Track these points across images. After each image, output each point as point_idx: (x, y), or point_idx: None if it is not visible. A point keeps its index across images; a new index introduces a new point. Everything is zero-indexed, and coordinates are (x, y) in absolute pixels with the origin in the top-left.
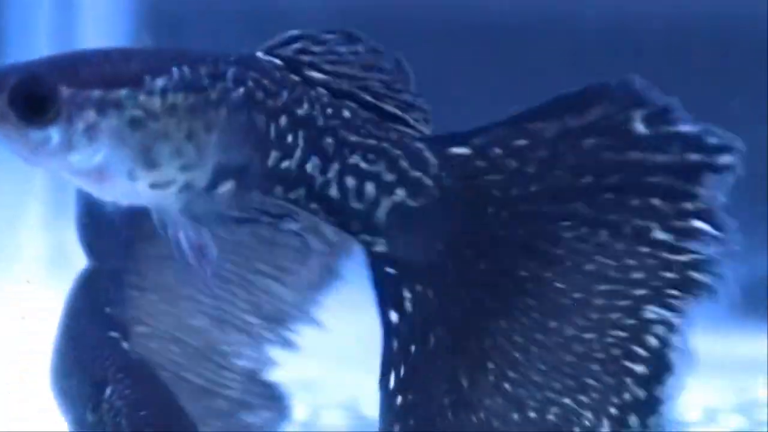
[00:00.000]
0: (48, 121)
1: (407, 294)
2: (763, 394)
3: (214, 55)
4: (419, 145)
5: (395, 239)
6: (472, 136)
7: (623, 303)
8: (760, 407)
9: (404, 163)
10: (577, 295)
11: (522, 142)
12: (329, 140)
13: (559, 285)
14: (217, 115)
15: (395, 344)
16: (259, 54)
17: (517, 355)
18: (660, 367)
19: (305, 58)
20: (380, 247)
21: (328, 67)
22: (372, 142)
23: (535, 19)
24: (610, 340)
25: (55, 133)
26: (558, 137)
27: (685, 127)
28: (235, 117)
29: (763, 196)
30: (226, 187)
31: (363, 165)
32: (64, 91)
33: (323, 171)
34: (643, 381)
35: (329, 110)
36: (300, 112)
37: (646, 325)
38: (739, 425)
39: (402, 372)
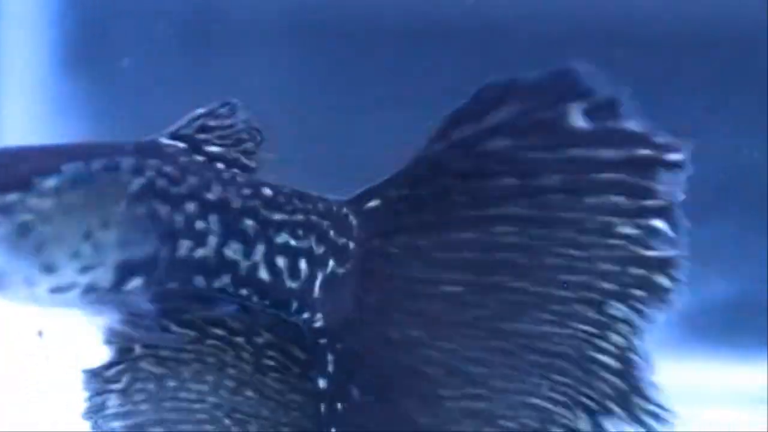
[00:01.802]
0: None
1: (330, 357)
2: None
3: (110, 146)
4: (344, 210)
5: (329, 310)
6: (381, 187)
7: (590, 295)
8: None
9: (332, 233)
10: (540, 291)
11: (424, 173)
12: (249, 222)
13: (516, 286)
14: (114, 209)
15: (323, 407)
16: (163, 139)
17: (474, 371)
18: (627, 364)
19: (202, 135)
20: (318, 322)
21: (221, 142)
22: (300, 217)
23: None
24: (579, 334)
25: None
26: (456, 155)
27: (631, 124)
28: (135, 209)
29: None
30: (134, 283)
31: (293, 242)
32: None
33: (247, 255)
34: (615, 373)
35: (246, 191)
36: (210, 196)
37: (612, 321)
38: None
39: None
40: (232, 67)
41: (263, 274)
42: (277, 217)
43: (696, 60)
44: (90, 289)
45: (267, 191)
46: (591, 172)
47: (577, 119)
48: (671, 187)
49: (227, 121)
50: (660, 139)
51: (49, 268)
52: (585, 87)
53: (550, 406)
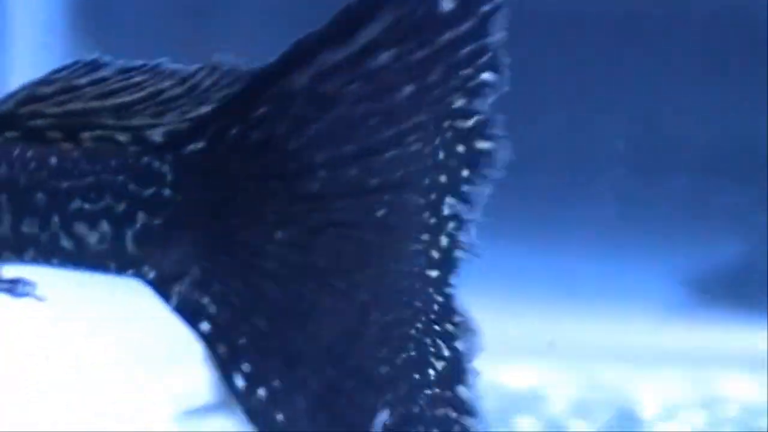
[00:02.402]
0: None
1: (206, 299)
2: (727, 388)
3: None
4: (145, 159)
5: (160, 261)
6: (204, 127)
7: (433, 198)
8: (723, 403)
9: (133, 186)
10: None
11: (262, 110)
12: (39, 195)
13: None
14: None
15: (222, 349)
16: None
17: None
18: (449, 267)
19: (27, 108)
20: (150, 274)
21: (54, 110)
22: (89, 180)
23: None
24: (418, 247)
25: None
26: (317, 82)
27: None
28: None
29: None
30: None
31: (87, 206)
32: None
33: (44, 227)
34: (437, 285)
35: (33, 164)
36: (10, 172)
37: (444, 222)
38: (701, 423)
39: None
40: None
41: (65, 242)
42: (66, 184)
43: None
44: None
45: (52, 161)
46: (455, 54)
47: (445, 3)
48: (496, 34)
49: (81, 80)
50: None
51: None
52: None
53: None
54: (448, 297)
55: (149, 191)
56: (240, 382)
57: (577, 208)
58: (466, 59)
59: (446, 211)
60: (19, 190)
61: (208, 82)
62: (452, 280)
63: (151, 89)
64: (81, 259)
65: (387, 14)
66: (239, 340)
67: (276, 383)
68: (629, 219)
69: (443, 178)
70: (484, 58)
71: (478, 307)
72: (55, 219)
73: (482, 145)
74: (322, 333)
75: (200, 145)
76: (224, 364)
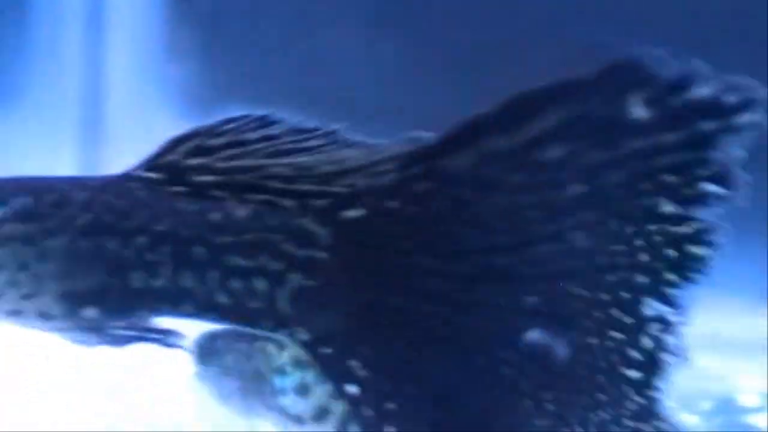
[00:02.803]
0: None
1: (354, 362)
2: None
3: (73, 182)
4: (302, 221)
5: (312, 322)
6: (362, 195)
7: (626, 296)
8: None
9: (288, 247)
10: (585, 294)
11: (421, 185)
12: (198, 249)
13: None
14: (54, 243)
15: (364, 409)
16: (135, 171)
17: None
18: (653, 371)
19: (194, 161)
20: (303, 335)
21: (221, 165)
22: (248, 237)
23: None
24: (608, 344)
25: None
26: (477, 166)
27: (698, 93)
28: (79, 244)
29: None
30: (88, 313)
31: (243, 263)
32: None
33: (201, 282)
34: (638, 386)
35: (196, 219)
36: (160, 228)
37: (645, 323)
38: None
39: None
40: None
41: (221, 298)
42: (225, 240)
43: None
44: (43, 316)
45: (215, 216)
46: (649, 161)
47: (637, 110)
48: (730, 151)
49: (251, 135)
50: (730, 100)
51: None
52: (644, 74)
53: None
54: (651, 400)
55: (305, 252)
56: None
57: None
58: (675, 168)
59: (648, 312)
60: (181, 243)
61: (379, 156)
62: (658, 383)
63: (322, 156)
64: (236, 315)
65: (563, 109)
66: (387, 405)
67: None
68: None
69: (643, 279)
70: (706, 170)
71: None
72: (214, 274)
73: (698, 251)
74: (469, 408)
75: (359, 213)
76: (370, 427)
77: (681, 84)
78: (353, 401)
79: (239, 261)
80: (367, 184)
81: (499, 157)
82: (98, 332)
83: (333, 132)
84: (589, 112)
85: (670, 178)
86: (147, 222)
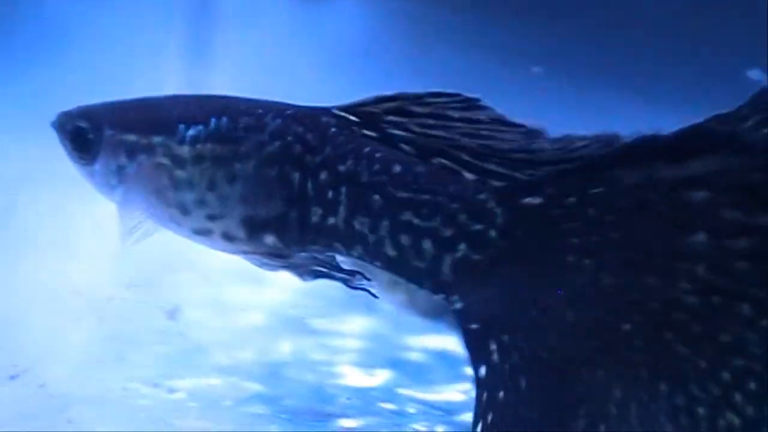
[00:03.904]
0: (92, 158)
1: (493, 346)
2: None
3: (269, 108)
4: (482, 196)
5: (469, 294)
6: (543, 185)
7: (752, 385)
8: None
9: (463, 217)
10: (701, 365)
11: (599, 189)
12: (375, 197)
13: (676, 347)
14: (243, 167)
15: (485, 394)
16: (336, 109)
17: (612, 407)
18: None
19: (394, 117)
20: (457, 304)
21: (418, 129)
22: (425, 197)
23: None
24: (720, 422)
25: (97, 169)
26: (644, 186)
27: None
28: (265, 170)
29: None
30: (268, 240)
31: (416, 221)
32: (106, 133)
33: (373, 229)
34: None
35: (376, 166)
36: (342, 168)
37: (757, 419)
38: None
39: (490, 419)
40: None
41: (389, 249)
42: (402, 194)
43: None
44: (227, 237)
45: (397, 168)
46: None
47: None
48: None
49: (445, 112)
50: None
51: (184, 211)
52: None
53: None
54: None
55: (477, 227)
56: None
57: None
58: None
59: None
60: (360, 186)
61: (567, 155)
62: None
63: (515, 144)
64: (400, 269)
65: (721, 159)
66: (500, 393)
67: None
68: None
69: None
70: None
71: None
72: (385, 224)
73: None
74: (590, 416)
75: (537, 201)
76: (482, 410)
77: None
78: (480, 383)
79: (412, 218)
80: (551, 177)
81: (658, 182)
82: (281, 259)
83: (537, 131)
84: (741, 170)
85: None
86: (332, 160)
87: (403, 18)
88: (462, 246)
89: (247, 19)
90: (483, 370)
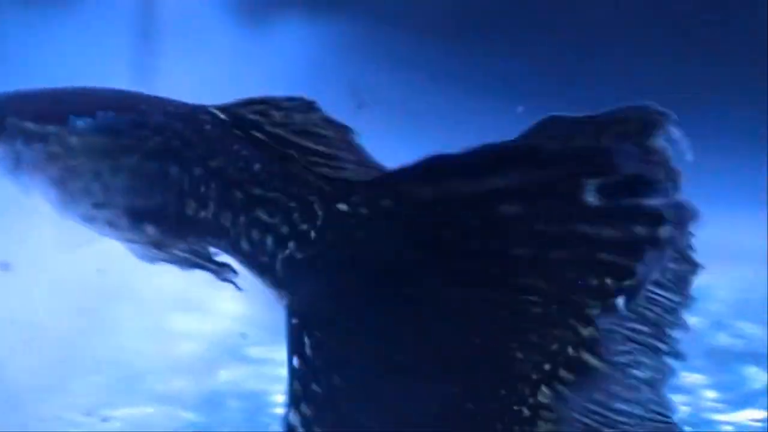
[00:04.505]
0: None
1: (306, 340)
2: None
3: (152, 104)
4: (312, 198)
5: (293, 291)
6: (352, 193)
7: (534, 376)
8: None
9: (296, 216)
10: (491, 356)
11: (387, 202)
12: (237, 193)
13: (467, 341)
14: (126, 160)
15: (297, 386)
16: (211, 108)
17: (417, 402)
18: None
19: (256, 117)
20: (284, 299)
21: (271, 129)
22: (273, 195)
23: None
24: (512, 414)
25: (1, 155)
26: (442, 201)
27: (648, 200)
28: (146, 164)
29: None
30: (149, 230)
31: (264, 218)
32: (9, 121)
33: (234, 224)
34: None
35: (240, 163)
36: (212, 164)
37: (538, 408)
38: None
39: (303, 410)
40: None
41: (245, 244)
42: (257, 191)
43: None
44: (111, 225)
45: (256, 167)
46: (592, 251)
47: (590, 195)
48: (651, 267)
49: (294, 115)
50: (672, 216)
51: (72, 198)
52: (606, 164)
53: None
54: None
55: (303, 226)
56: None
57: (727, 113)
58: (609, 269)
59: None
60: (226, 182)
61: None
62: None
63: (339, 150)
64: (251, 264)
65: (526, 172)
66: (315, 388)
67: None
68: None
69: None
70: (625, 281)
71: None
72: (243, 219)
73: (588, 359)
74: (404, 404)
75: (344, 207)
76: (294, 402)
77: (636, 187)
78: (292, 371)
79: (262, 215)
80: (358, 186)
81: (458, 198)
82: (161, 250)
83: (351, 133)
84: (548, 182)
85: (595, 281)
86: (205, 156)
87: (353, 40)
88: (291, 244)
89: (189, 43)
90: (296, 361)
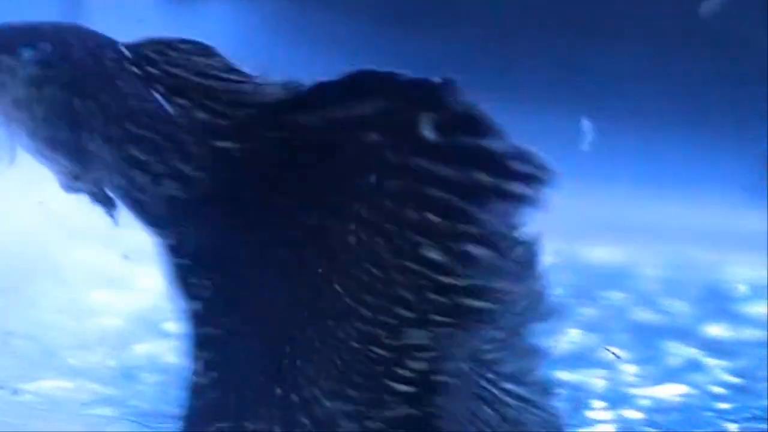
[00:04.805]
0: None
1: (198, 282)
2: None
3: (69, 35)
4: (187, 137)
5: (178, 231)
6: (234, 129)
7: (389, 321)
8: None
9: (172, 155)
10: (348, 301)
11: (276, 134)
12: (117, 129)
13: (334, 286)
14: (47, 91)
15: (193, 329)
16: (121, 44)
17: (292, 346)
18: (426, 389)
19: (153, 56)
20: (168, 239)
21: (165, 67)
22: (148, 134)
23: None
24: (373, 355)
25: None
26: (321, 129)
27: (487, 144)
28: (57, 95)
29: None
30: (63, 161)
31: (140, 156)
32: None
33: (114, 160)
34: (409, 399)
35: (125, 101)
36: (104, 98)
37: (410, 349)
38: None
39: (199, 356)
40: None
41: (122, 181)
42: (134, 129)
43: None
44: (38, 153)
45: (136, 104)
46: (422, 187)
47: (428, 130)
48: (501, 219)
49: (190, 57)
50: (515, 165)
51: (9, 125)
52: (443, 99)
53: (341, 413)
54: None
55: (182, 165)
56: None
57: (662, 88)
58: (444, 212)
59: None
60: (110, 118)
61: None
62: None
63: (229, 93)
64: (128, 200)
65: (377, 100)
66: (211, 330)
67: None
68: (713, 100)
69: (407, 312)
70: (473, 228)
71: (566, 188)
72: (121, 156)
73: (470, 303)
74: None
75: (227, 144)
76: (196, 345)
77: (474, 125)
78: (187, 316)
79: (139, 153)
80: (240, 121)
81: (335, 125)
82: (75, 181)
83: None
84: (394, 110)
85: (435, 219)
86: (98, 90)
87: (284, 22)
88: (170, 183)
89: (116, 20)
90: (191, 305)
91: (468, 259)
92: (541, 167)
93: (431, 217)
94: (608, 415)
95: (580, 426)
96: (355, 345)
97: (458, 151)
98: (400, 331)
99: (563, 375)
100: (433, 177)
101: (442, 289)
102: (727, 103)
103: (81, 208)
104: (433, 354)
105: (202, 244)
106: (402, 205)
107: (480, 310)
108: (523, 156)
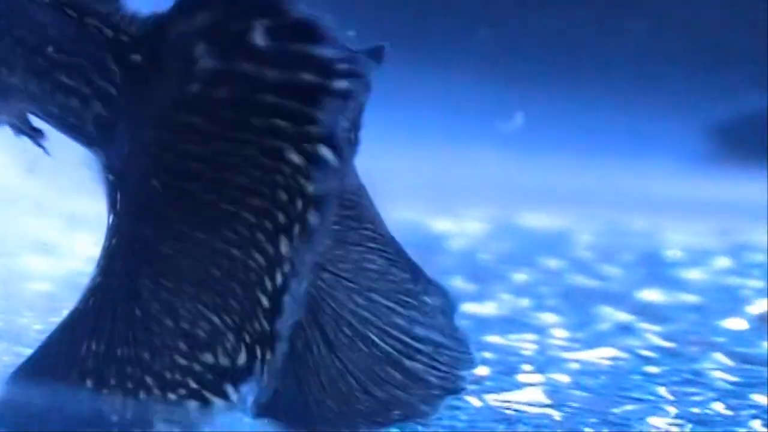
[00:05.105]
0: None
1: (123, 198)
2: (753, 237)
3: None
4: (104, 54)
5: (107, 149)
6: (144, 41)
7: (267, 225)
8: (749, 250)
9: (94, 76)
10: (225, 208)
11: (157, 45)
12: (40, 60)
13: (206, 197)
14: None
15: (113, 240)
16: None
17: (174, 261)
18: (278, 306)
19: None
20: (100, 158)
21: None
22: (74, 59)
23: None
24: (251, 263)
25: None
26: (182, 41)
27: (313, 48)
28: None
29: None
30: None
31: (67, 81)
32: None
33: (42, 89)
34: (267, 314)
35: (42, 31)
36: (19, 32)
37: (277, 258)
38: (727, 268)
39: (122, 266)
40: None
41: (54, 109)
42: (57, 56)
43: None
44: None
45: (55, 32)
46: (259, 92)
47: (258, 37)
48: (333, 115)
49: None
50: (337, 65)
51: None
52: (278, 7)
53: (221, 326)
54: None
55: (103, 84)
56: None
57: (600, 56)
58: (285, 113)
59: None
60: (28, 50)
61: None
62: None
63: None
64: (62, 126)
65: (204, 14)
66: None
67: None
68: (655, 69)
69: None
70: (316, 128)
71: (503, 156)
72: (46, 86)
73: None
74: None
75: (138, 58)
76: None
77: (304, 31)
78: (109, 227)
79: (65, 78)
80: (145, 34)
81: (184, 36)
82: (3, 115)
83: None
84: (225, 20)
85: (282, 124)
86: (12, 25)
87: None
88: (95, 103)
89: None
90: (111, 219)
91: (321, 162)
92: (364, 64)
93: (278, 122)
94: (537, 378)
95: (509, 389)
96: (235, 252)
97: (286, 56)
98: (276, 238)
99: (495, 339)
100: (261, 81)
101: (305, 196)
102: (667, 73)
103: (16, 174)
104: (290, 269)
105: (126, 161)
106: (238, 112)
107: (313, 225)
108: (348, 58)
